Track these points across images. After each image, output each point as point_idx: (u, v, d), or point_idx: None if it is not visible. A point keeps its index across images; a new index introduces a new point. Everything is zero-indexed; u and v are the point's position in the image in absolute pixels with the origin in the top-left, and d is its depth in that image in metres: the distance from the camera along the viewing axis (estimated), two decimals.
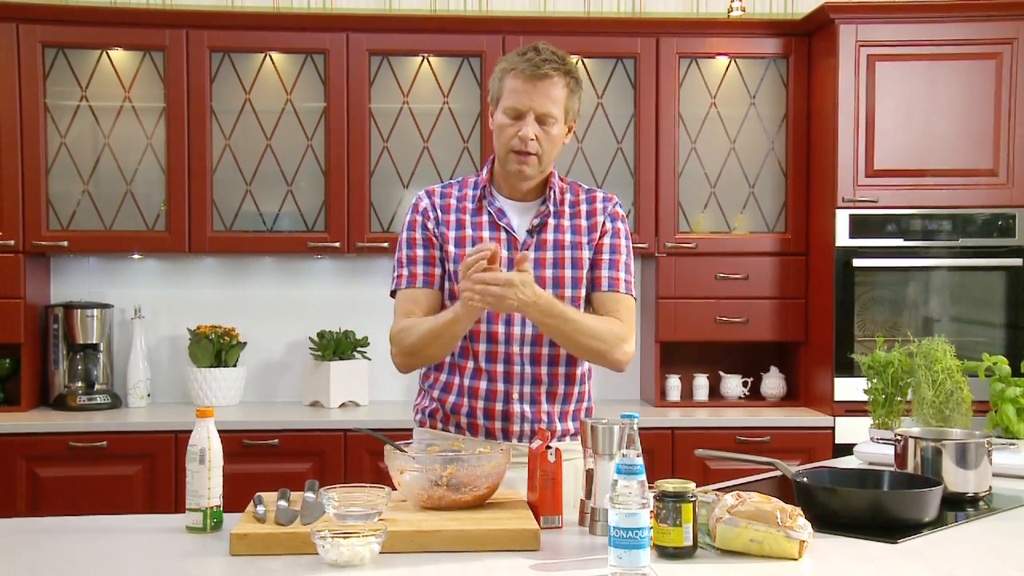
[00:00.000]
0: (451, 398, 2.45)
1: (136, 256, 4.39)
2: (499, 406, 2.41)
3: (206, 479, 2.07)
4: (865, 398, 2.89)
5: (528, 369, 2.42)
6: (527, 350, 2.41)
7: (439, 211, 2.46)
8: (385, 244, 4.19)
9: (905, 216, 4.08)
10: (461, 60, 4.24)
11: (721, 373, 4.46)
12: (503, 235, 2.43)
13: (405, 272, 2.45)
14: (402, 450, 2.18)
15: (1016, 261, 4.08)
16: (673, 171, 4.26)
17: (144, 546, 2.02)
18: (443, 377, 2.47)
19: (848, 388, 4.00)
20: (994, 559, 1.96)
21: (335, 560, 1.83)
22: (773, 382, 4.41)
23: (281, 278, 4.50)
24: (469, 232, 2.43)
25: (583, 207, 2.48)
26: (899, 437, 2.49)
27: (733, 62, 4.30)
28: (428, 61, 4.24)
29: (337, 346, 4.26)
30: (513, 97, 2.35)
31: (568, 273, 2.43)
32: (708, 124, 4.31)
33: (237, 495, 2.28)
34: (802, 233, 4.30)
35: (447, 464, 2.09)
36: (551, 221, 2.45)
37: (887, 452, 2.63)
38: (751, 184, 4.33)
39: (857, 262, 4.07)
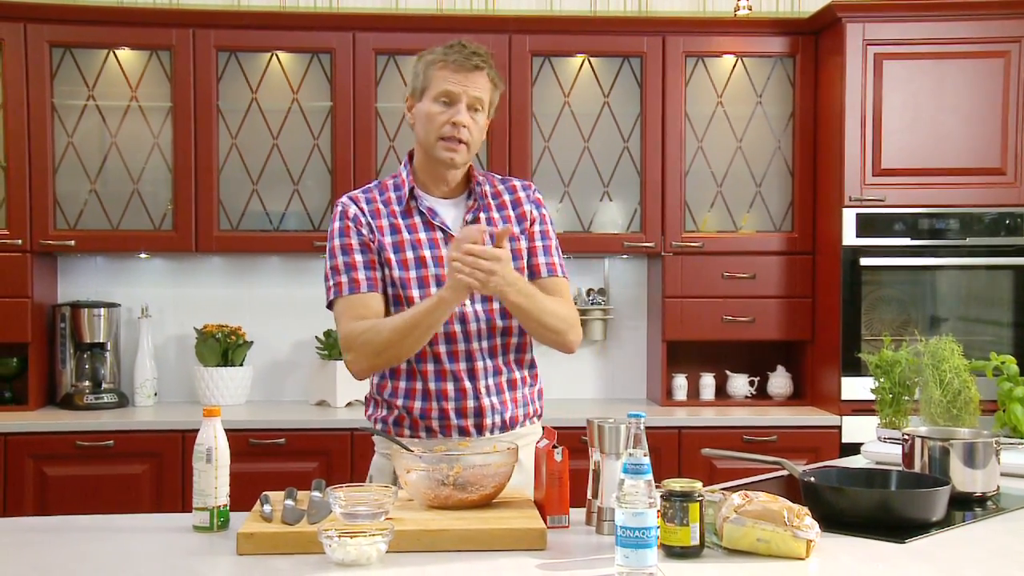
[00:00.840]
0: (418, 404, 2.40)
1: (143, 255, 4.39)
2: (470, 403, 2.39)
3: (213, 478, 2.07)
4: (872, 397, 2.89)
5: (489, 362, 2.41)
6: (484, 344, 2.40)
7: (369, 217, 2.41)
8: None
9: (912, 215, 4.07)
10: None
11: (728, 372, 4.46)
12: (439, 234, 2.40)
13: (345, 279, 2.38)
14: (409, 449, 2.18)
15: (1023, 260, 4.07)
16: (679, 170, 4.26)
17: (151, 545, 2.02)
18: (403, 384, 2.41)
19: (855, 387, 4.00)
20: (1003, 559, 1.96)
21: (342, 559, 1.83)
22: (780, 381, 4.41)
23: (287, 277, 4.51)
24: (406, 236, 2.40)
25: (506, 197, 2.49)
26: (906, 436, 2.48)
27: (740, 61, 4.30)
28: None
29: None
30: (445, 84, 2.36)
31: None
32: (715, 123, 4.31)
33: (244, 494, 2.28)
34: (809, 232, 4.29)
35: (454, 463, 2.09)
36: (482, 215, 2.44)
37: (894, 451, 2.63)
38: (758, 183, 4.32)
39: (864, 261, 4.06)
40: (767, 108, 4.31)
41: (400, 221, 2.41)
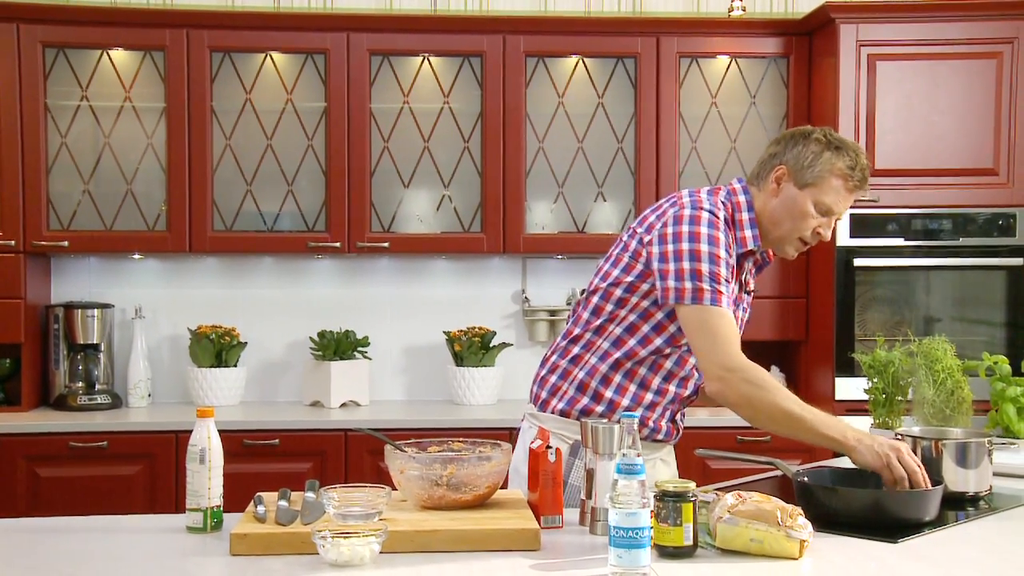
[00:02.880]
0: (625, 402, 2.43)
1: (137, 256, 4.39)
2: (665, 423, 2.50)
3: (206, 479, 2.07)
4: (866, 397, 2.90)
5: (687, 393, 2.52)
6: (696, 375, 2.48)
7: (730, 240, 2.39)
8: (386, 244, 4.19)
9: (906, 215, 4.08)
10: (462, 60, 4.24)
11: None
12: (745, 277, 2.50)
13: (724, 289, 2.30)
14: (403, 450, 2.18)
15: (1016, 260, 4.08)
16: (674, 171, 4.26)
17: (144, 546, 2.02)
18: (629, 385, 2.44)
19: (849, 387, 4.00)
20: (995, 559, 1.96)
21: (335, 560, 1.83)
22: None
23: (282, 278, 4.50)
24: (733, 263, 2.40)
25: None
26: (900, 436, 2.49)
27: (734, 61, 4.30)
28: (429, 61, 4.24)
29: (338, 346, 4.26)
30: (832, 197, 2.36)
31: (746, 318, 2.56)
32: (709, 124, 4.31)
33: (238, 495, 2.28)
34: None
35: (447, 464, 2.09)
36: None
37: None
38: None
39: (858, 261, 4.07)
40: (761, 109, 4.32)
41: (735, 248, 2.41)
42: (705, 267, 2.28)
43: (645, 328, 2.39)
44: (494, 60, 4.19)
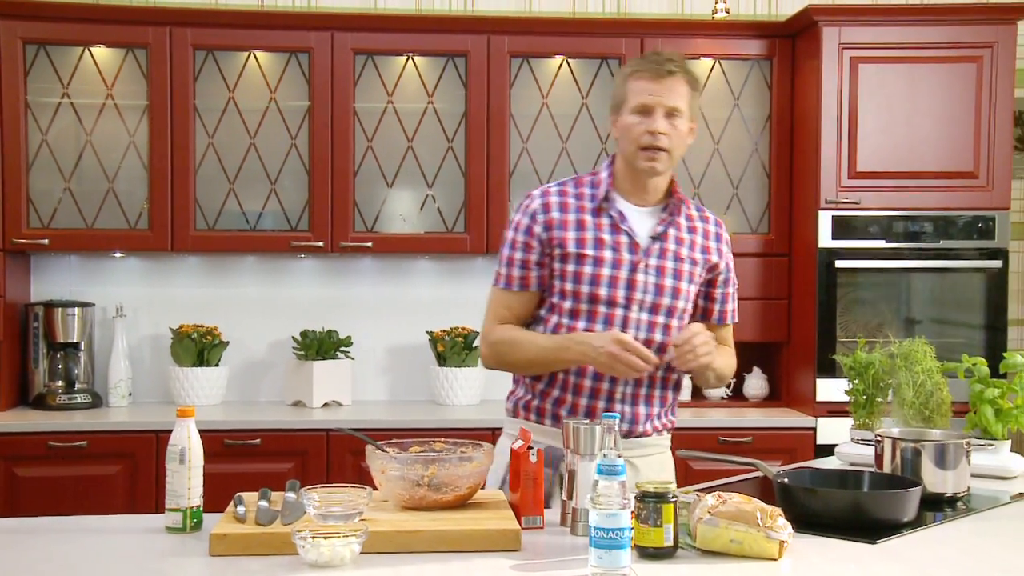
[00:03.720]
0: (555, 392, 2.49)
1: (118, 254, 4.36)
2: (601, 404, 2.45)
3: (186, 479, 2.06)
4: (847, 399, 2.91)
5: (630, 391, 2.46)
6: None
7: (555, 211, 2.47)
8: (369, 244, 4.18)
9: (887, 218, 4.10)
10: (446, 60, 4.23)
11: None
12: (624, 239, 2.46)
13: (503, 272, 2.52)
14: (384, 450, 2.17)
15: (996, 263, 4.11)
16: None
17: (123, 546, 2.01)
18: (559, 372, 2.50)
19: (830, 389, 4.02)
20: (972, 559, 1.98)
21: (315, 560, 1.82)
22: (755, 383, 4.43)
23: (264, 277, 4.49)
24: (590, 234, 2.46)
25: (698, 224, 2.55)
26: (879, 438, 2.50)
27: (717, 63, 4.32)
28: (413, 60, 4.23)
29: (320, 346, 4.25)
30: (641, 95, 2.41)
31: (683, 285, 2.49)
32: None
33: (219, 495, 2.27)
34: (785, 234, 4.31)
35: (428, 464, 2.09)
36: (671, 231, 2.49)
37: (868, 453, 2.64)
38: (735, 185, 4.34)
39: (839, 263, 4.08)
40: (744, 110, 4.33)
41: (588, 218, 2.47)
42: (501, 251, 2.55)
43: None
44: (478, 60, 4.19)
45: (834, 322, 4.10)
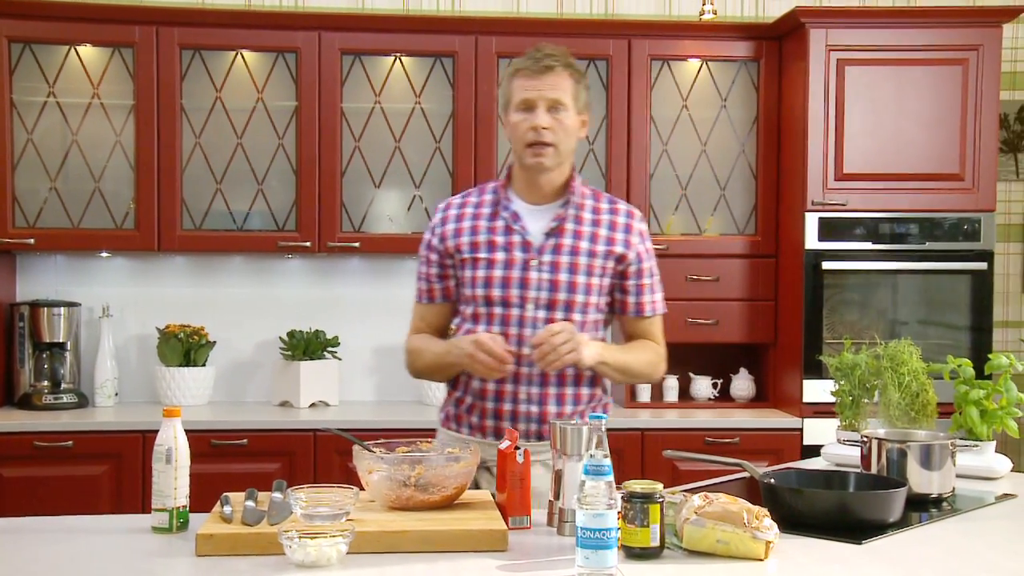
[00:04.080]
0: (467, 399, 2.52)
1: (104, 254, 4.35)
2: (507, 406, 2.46)
3: (172, 479, 2.06)
4: (833, 400, 2.92)
5: (536, 369, 2.43)
6: (537, 369, 2.42)
7: (453, 223, 2.53)
8: (356, 244, 4.18)
9: (873, 219, 4.11)
10: (433, 60, 4.23)
11: (691, 374, 4.48)
12: (516, 238, 2.47)
13: (417, 286, 2.61)
14: (371, 450, 2.17)
15: (981, 265, 4.13)
16: (644, 173, 4.28)
17: (109, 547, 2.00)
18: (462, 377, 2.54)
19: (816, 390, 4.03)
20: (957, 559, 1.98)
21: (302, 560, 1.82)
22: (742, 383, 4.44)
23: (251, 277, 4.48)
24: (482, 237, 2.48)
25: (605, 216, 2.53)
26: (865, 439, 2.51)
27: (704, 64, 4.33)
28: (400, 61, 4.23)
29: (307, 346, 4.25)
30: (522, 92, 2.43)
31: (581, 279, 2.47)
32: (679, 126, 4.33)
33: (206, 495, 2.27)
34: (772, 235, 4.32)
35: (415, 464, 2.09)
36: (569, 226, 2.49)
37: (854, 453, 2.65)
38: (722, 186, 4.35)
39: (826, 265, 4.10)
40: (731, 112, 4.34)
41: (483, 223, 2.50)
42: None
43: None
44: (466, 60, 4.19)
45: (820, 323, 4.12)
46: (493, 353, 2.33)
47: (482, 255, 2.47)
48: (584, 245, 2.48)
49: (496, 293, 2.45)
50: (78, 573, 1.86)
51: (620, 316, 2.59)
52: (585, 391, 2.52)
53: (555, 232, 2.48)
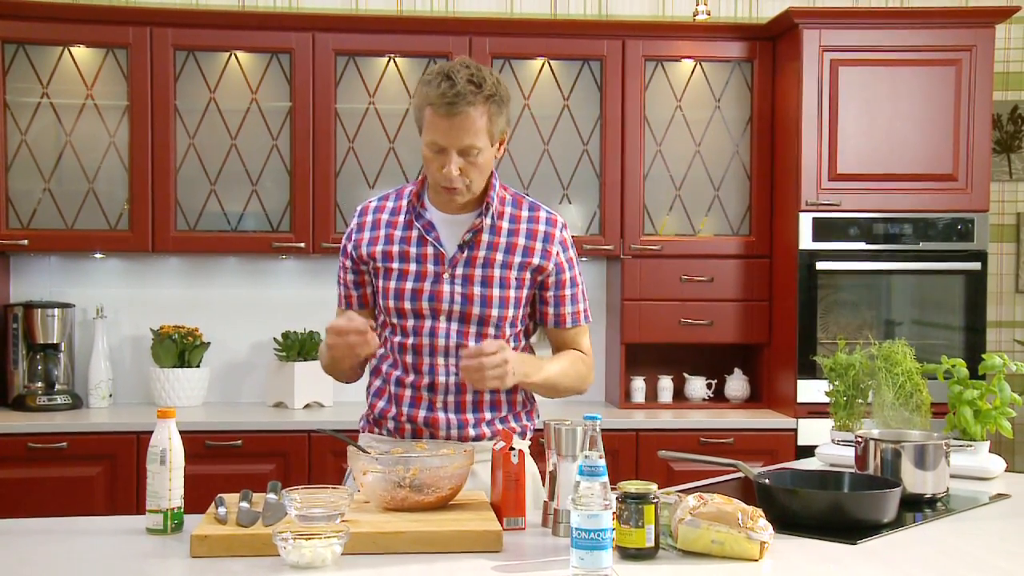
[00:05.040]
0: (380, 403, 2.45)
1: (98, 255, 4.34)
2: (422, 412, 2.39)
3: (167, 480, 2.05)
4: (827, 400, 2.92)
5: (452, 379, 2.38)
6: (451, 362, 2.37)
7: (368, 229, 2.44)
8: None
9: (867, 220, 4.12)
10: (427, 61, 4.23)
11: (685, 375, 4.49)
12: (430, 250, 2.37)
13: (337, 291, 2.54)
14: (365, 451, 2.17)
15: (975, 265, 4.14)
16: (639, 173, 4.28)
17: (103, 548, 2.00)
18: (376, 383, 2.48)
19: (810, 390, 4.04)
20: (950, 559, 1.99)
21: (296, 562, 1.82)
22: (737, 384, 4.44)
23: (245, 278, 4.48)
24: (396, 247, 2.39)
25: (524, 225, 2.42)
26: (859, 439, 2.51)
27: (698, 65, 4.33)
28: (394, 62, 4.23)
29: (301, 347, 4.24)
30: (432, 132, 2.27)
31: (497, 292, 2.37)
32: (673, 126, 4.33)
33: (201, 496, 2.26)
34: (766, 236, 4.33)
35: (410, 465, 2.09)
36: (485, 237, 2.38)
37: (848, 454, 2.66)
38: (716, 187, 4.35)
39: (820, 265, 4.10)
40: (725, 112, 4.35)
41: (397, 232, 2.41)
42: None
43: None
44: None
45: (815, 324, 4.12)
46: (347, 331, 2.24)
47: (395, 266, 2.38)
48: (500, 257, 2.37)
49: (407, 306, 2.36)
50: (72, 575, 1.86)
51: (542, 327, 2.50)
52: (504, 397, 2.42)
53: (470, 244, 2.37)
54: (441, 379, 2.38)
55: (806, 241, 4.09)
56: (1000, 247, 4.73)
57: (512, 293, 2.39)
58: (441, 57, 4.21)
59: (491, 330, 2.38)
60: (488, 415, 2.41)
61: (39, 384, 4.15)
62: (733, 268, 4.31)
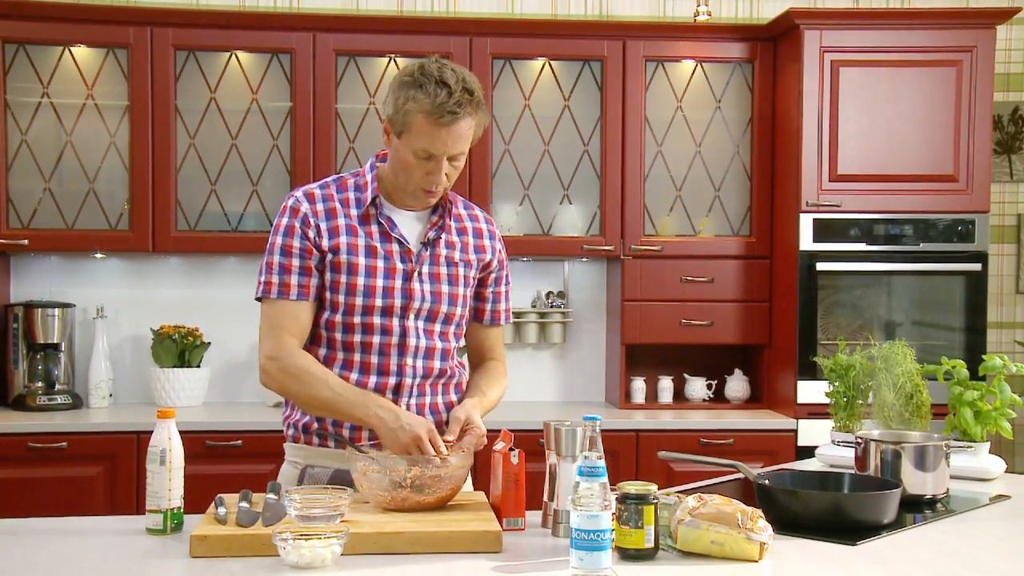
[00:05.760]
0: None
1: (99, 255, 4.34)
2: None
3: (166, 480, 2.05)
4: (827, 401, 2.92)
5: (418, 381, 2.34)
6: (419, 363, 2.33)
7: (324, 218, 2.32)
8: None
9: (868, 220, 4.12)
10: None
11: (686, 375, 4.49)
12: (395, 247, 2.33)
13: (276, 280, 2.30)
14: (364, 451, 2.17)
15: (975, 266, 4.14)
16: (639, 174, 4.28)
17: (103, 548, 2.00)
18: None
19: (811, 391, 4.04)
20: (950, 560, 1.99)
21: (296, 562, 1.82)
22: (737, 385, 4.44)
23: (245, 278, 4.47)
24: (361, 241, 2.31)
25: (468, 224, 2.43)
26: (859, 440, 2.51)
27: (699, 66, 4.33)
28: (395, 62, 4.23)
29: None
30: (424, 140, 2.22)
31: (460, 291, 2.38)
32: (674, 127, 4.33)
33: (201, 496, 2.26)
34: (766, 237, 4.33)
35: (410, 466, 2.08)
36: (443, 235, 2.37)
37: (848, 454, 2.66)
38: (716, 187, 4.35)
39: (820, 266, 4.10)
40: (726, 113, 4.35)
41: (357, 225, 2.33)
42: (268, 258, 2.33)
43: None
44: (461, 61, 4.18)
45: (815, 324, 4.12)
46: (431, 451, 2.14)
47: (361, 260, 2.29)
48: (458, 255, 2.38)
49: (379, 303, 2.29)
50: (72, 574, 1.86)
51: (472, 323, 2.47)
52: (455, 398, 2.41)
53: (432, 242, 2.35)
54: (408, 380, 2.33)
55: (806, 242, 4.09)
56: (1001, 248, 4.73)
57: (468, 291, 2.41)
58: (442, 57, 4.20)
59: (452, 328, 2.38)
60: (445, 415, 2.37)
61: (39, 384, 4.15)
62: (733, 269, 4.31)
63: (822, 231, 4.10)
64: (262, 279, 2.33)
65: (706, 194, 4.36)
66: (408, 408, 2.31)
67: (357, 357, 2.32)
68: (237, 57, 4.18)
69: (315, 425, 2.35)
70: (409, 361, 2.33)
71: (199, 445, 3.77)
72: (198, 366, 4.27)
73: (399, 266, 2.32)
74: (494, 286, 2.48)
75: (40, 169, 4.10)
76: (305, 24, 4.18)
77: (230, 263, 4.47)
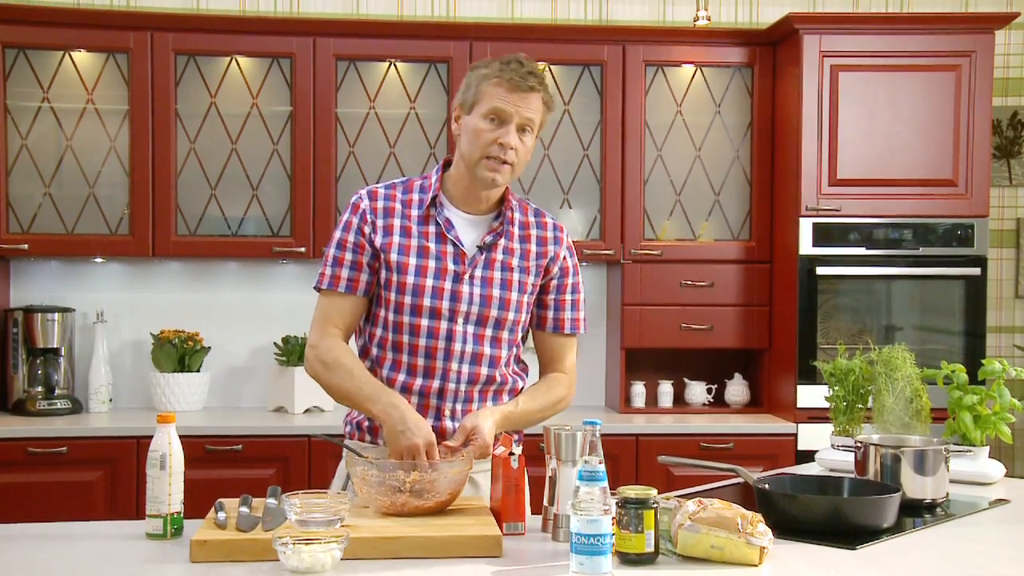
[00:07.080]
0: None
1: (99, 260, 4.34)
2: (430, 421, 2.31)
3: (167, 485, 2.05)
4: (827, 405, 2.92)
5: (463, 387, 2.36)
6: (464, 368, 2.36)
7: (381, 216, 2.37)
8: None
9: (867, 225, 4.12)
10: (428, 66, 4.24)
11: (685, 380, 4.48)
12: (450, 248, 2.35)
13: (329, 272, 2.39)
14: (364, 456, 2.17)
15: (975, 270, 4.14)
16: (639, 178, 4.28)
17: (103, 553, 2.00)
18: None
19: (811, 395, 4.04)
20: (950, 565, 1.99)
21: (296, 567, 1.82)
22: (737, 389, 4.44)
23: (246, 283, 4.48)
24: (415, 241, 2.35)
25: (534, 231, 2.44)
26: (859, 444, 2.51)
27: (699, 70, 4.33)
28: (395, 66, 4.24)
29: (302, 351, 4.24)
30: (497, 102, 2.29)
31: (514, 296, 2.38)
32: (674, 132, 4.34)
33: (201, 501, 2.26)
34: (766, 241, 4.33)
35: (410, 470, 2.09)
36: (502, 241, 2.39)
37: (848, 459, 2.66)
38: (716, 192, 4.36)
39: (820, 270, 4.10)
40: (725, 117, 4.35)
41: (414, 225, 2.36)
42: (328, 251, 2.41)
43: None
44: (460, 66, 4.19)
45: (815, 329, 4.12)
46: (417, 459, 2.17)
47: (412, 260, 2.33)
48: (515, 262, 2.39)
49: (426, 303, 2.32)
50: None
51: (537, 331, 2.48)
52: (501, 399, 2.43)
53: (489, 247, 2.37)
54: (451, 385, 2.35)
55: (806, 246, 4.09)
56: (1000, 252, 4.73)
57: (525, 298, 2.41)
58: (442, 62, 4.22)
59: (505, 334, 2.38)
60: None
61: (39, 389, 4.15)
62: (733, 273, 4.31)
63: (822, 235, 4.10)
64: (320, 270, 2.41)
65: (706, 198, 4.36)
66: (454, 414, 2.35)
67: (404, 358, 2.36)
68: (237, 62, 4.18)
69: (367, 423, 2.40)
70: (454, 366, 2.35)
71: (199, 450, 3.77)
72: (198, 371, 4.27)
73: (451, 267, 2.35)
74: (556, 293, 2.46)
75: (40, 174, 4.11)
76: (305, 29, 4.18)
77: (230, 268, 4.47)
